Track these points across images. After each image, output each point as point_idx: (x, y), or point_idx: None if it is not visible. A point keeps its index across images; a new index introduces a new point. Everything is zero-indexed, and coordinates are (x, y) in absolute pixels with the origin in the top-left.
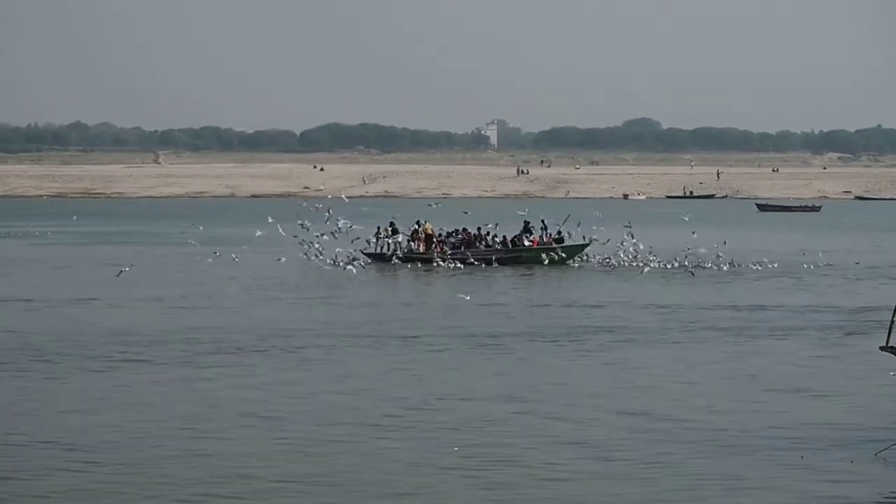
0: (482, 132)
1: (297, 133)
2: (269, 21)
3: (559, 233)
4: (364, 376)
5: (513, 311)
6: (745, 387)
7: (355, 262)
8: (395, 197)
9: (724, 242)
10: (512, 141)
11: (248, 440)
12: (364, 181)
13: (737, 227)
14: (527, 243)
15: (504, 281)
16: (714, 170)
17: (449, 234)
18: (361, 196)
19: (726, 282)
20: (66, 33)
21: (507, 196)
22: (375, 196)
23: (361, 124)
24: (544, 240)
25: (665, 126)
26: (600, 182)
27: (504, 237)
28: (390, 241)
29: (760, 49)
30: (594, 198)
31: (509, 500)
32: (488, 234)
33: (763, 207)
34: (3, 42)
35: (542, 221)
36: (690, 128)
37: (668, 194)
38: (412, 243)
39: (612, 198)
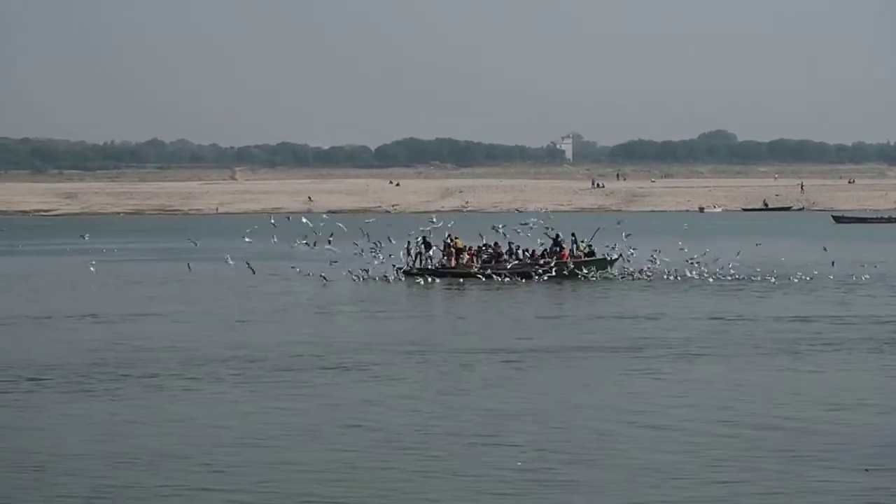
0: (557, 146)
1: (373, 148)
2: (344, 38)
3: (590, 246)
4: (429, 389)
5: (554, 324)
6: (807, 399)
7: (388, 277)
8: (472, 211)
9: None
10: (587, 154)
11: (328, 451)
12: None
13: (813, 240)
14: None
15: (549, 293)
16: (794, 182)
17: (479, 249)
18: (437, 210)
19: (778, 293)
20: (142, 52)
21: (582, 210)
22: (452, 210)
23: (437, 139)
24: (574, 253)
25: (740, 139)
26: (676, 195)
27: (533, 251)
28: (423, 255)
29: (835, 60)
30: (670, 211)
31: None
32: (518, 247)
33: (839, 219)
34: (82, 61)
35: (573, 235)
36: (766, 140)
37: (745, 207)
38: (444, 258)
39: (687, 211)
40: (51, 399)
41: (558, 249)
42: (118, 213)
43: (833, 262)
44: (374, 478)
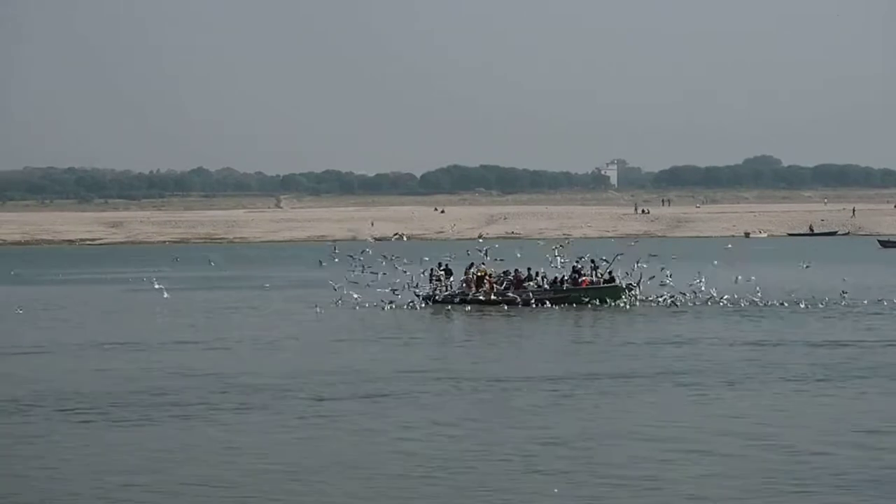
0: (602, 172)
1: (418, 176)
2: (388, 65)
3: (610, 273)
4: (466, 417)
5: (590, 350)
6: (848, 425)
7: (411, 304)
8: (517, 238)
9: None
10: (632, 180)
11: (366, 481)
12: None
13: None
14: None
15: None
16: (844, 206)
17: (500, 277)
18: (482, 237)
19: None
20: (188, 82)
21: (628, 236)
22: (497, 237)
23: (482, 166)
24: (594, 280)
25: (786, 163)
26: (721, 220)
27: (555, 278)
28: (444, 282)
29: (881, 85)
30: (715, 236)
31: None
32: (537, 274)
33: (885, 244)
34: (126, 91)
35: (592, 261)
36: (811, 165)
37: (790, 232)
38: (464, 285)
39: (733, 236)
40: (87, 428)
41: (577, 276)
42: (164, 242)
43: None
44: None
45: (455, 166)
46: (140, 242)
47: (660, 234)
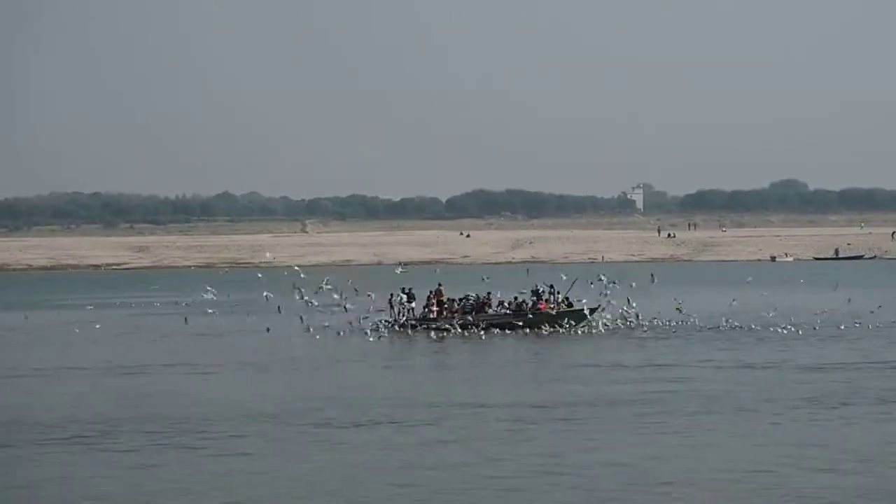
0: (628, 196)
1: (443, 200)
2: (414, 91)
3: (567, 298)
4: (456, 441)
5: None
6: (842, 450)
7: (376, 330)
8: (542, 262)
9: None
10: (658, 204)
11: None
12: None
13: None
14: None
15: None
16: (869, 230)
17: (460, 300)
18: (507, 262)
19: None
20: (213, 107)
21: (654, 260)
22: (522, 262)
23: (507, 190)
24: (552, 305)
25: (812, 187)
26: (747, 244)
27: (522, 302)
28: (405, 307)
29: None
30: (740, 260)
31: None
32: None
33: None
34: (153, 116)
35: (551, 286)
36: (837, 188)
37: (816, 255)
38: (425, 309)
39: (759, 260)
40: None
41: (536, 300)
42: (189, 267)
43: None
44: None
45: (481, 190)
46: (166, 267)
47: (686, 258)
